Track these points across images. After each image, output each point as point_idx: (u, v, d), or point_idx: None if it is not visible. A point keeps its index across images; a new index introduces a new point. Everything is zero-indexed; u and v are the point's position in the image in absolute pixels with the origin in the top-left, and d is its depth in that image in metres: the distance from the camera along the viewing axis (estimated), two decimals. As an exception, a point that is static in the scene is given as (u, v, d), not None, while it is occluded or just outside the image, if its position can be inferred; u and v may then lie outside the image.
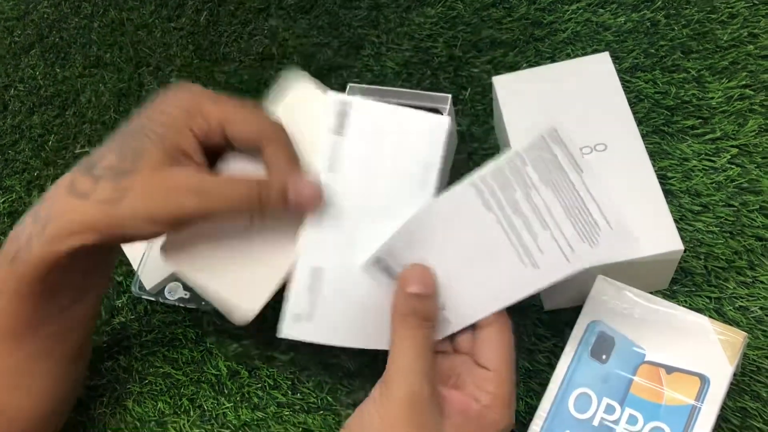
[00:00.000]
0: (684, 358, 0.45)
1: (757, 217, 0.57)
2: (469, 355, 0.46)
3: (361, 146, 0.49)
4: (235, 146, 0.46)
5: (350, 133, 0.48)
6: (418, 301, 0.44)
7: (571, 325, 0.55)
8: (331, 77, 0.72)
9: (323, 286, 0.49)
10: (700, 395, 0.44)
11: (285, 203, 0.45)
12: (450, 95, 0.58)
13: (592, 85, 0.58)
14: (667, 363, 0.45)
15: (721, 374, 0.44)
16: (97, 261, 0.49)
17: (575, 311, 0.56)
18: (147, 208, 0.42)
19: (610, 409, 0.45)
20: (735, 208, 0.57)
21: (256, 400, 0.58)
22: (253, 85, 0.74)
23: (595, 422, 0.45)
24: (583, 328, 0.48)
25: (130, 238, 0.46)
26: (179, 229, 0.46)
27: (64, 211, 0.43)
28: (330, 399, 0.57)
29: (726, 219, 0.57)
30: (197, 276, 0.51)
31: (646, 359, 0.46)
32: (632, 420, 0.45)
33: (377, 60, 0.72)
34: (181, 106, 0.44)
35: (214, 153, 0.47)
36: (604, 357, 0.47)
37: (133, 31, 0.81)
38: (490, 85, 0.61)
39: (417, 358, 0.43)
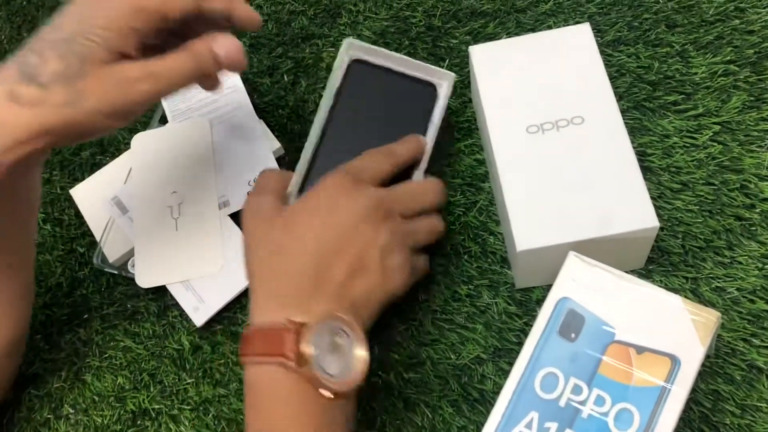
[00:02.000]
0: (655, 338, 0.44)
1: (737, 196, 0.55)
2: None
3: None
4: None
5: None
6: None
7: (540, 303, 0.54)
8: (306, 46, 0.70)
9: None
10: (671, 376, 0.43)
11: (219, 65, 0.49)
12: (453, 74, 0.57)
13: (571, 57, 0.56)
14: (638, 343, 0.44)
15: (692, 355, 0.43)
16: (34, 173, 0.52)
17: (547, 289, 0.55)
18: (107, 103, 0.45)
19: (577, 390, 0.44)
20: (715, 187, 0.56)
21: (218, 376, 0.56)
22: (226, 53, 0.71)
23: (562, 402, 0.43)
24: (552, 304, 0.46)
25: (87, 136, 0.48)
26: (133, 117, 0.48)
27: (8, 121, 0.44)
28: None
29: (706, 197, 0.56)
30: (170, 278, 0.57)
31: (615, 338, 0.44)
32: (599, 401, 0.43)
33: (354, 29, 0.70)
34: (119, 7, 0.45)
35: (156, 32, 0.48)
36: (573, 335, 0.45)
37: None
38: (468, 56, 0.59)
39: None
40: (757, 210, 0.54)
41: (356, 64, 0.58)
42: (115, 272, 0.61)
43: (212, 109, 0.66)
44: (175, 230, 0.60)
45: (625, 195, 0.50)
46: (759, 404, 0.49)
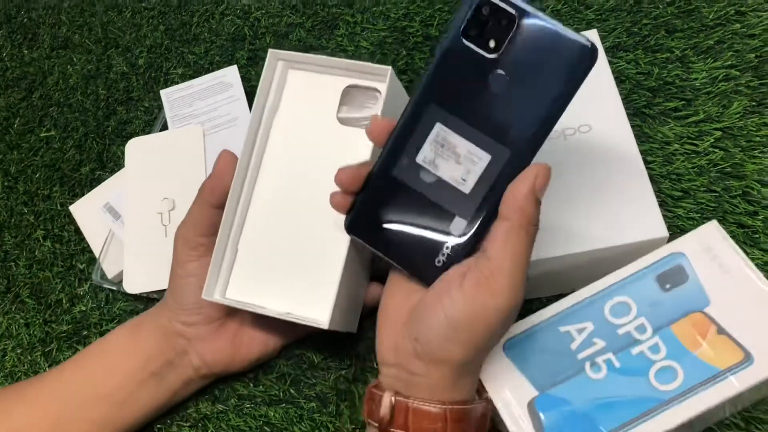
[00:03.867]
0: (742, 329, 0.43)
1: (739, 203, 0.54)
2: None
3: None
4: None
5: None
6: (537, 205, 0.40)
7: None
8: (304, 58, 0.70)
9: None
10: (735, 368, 0.42)
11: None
12: (390, 68, 0.49)
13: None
14: (723, 324, 0.43)
15: None
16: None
17: (548, 301, 0.54)
18: None
19: (641, 329, 0.44)
20: (717, 194, 0.55)
21: (216, 392, 0.56)
22: (225, 65, 0.71)
23: (620, 331, 0.44)
24: (666, 252, 0.46)
25: None
26: None
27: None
28: (293, 391, 0.55)
29: (707, 205, 0.55)
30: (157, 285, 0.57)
31: (705, 310, 0.44)
32: (655, 348, 0.43)
33: (351, 40, 0.70)
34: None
35: None
36: (668, 286, 0.45)
37: (103, 12, 0.78)
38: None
39: (523, 267, 0.39)
40: (760, 217, 0.53)
41: (292, 73, 0.53)
42: (114, 288, 0.61)
43: (212, 117, 0.66)
44: (165, 237, 0.60)
45: (634, 204, 0.49)
46: (765, 416, 0.48)
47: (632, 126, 0.58)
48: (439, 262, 0.41)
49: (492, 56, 0.39)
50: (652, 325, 0.44)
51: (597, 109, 0.53)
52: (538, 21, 0.38)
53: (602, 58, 0.56)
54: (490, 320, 0.38)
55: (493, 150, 0.40)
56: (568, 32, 0.38)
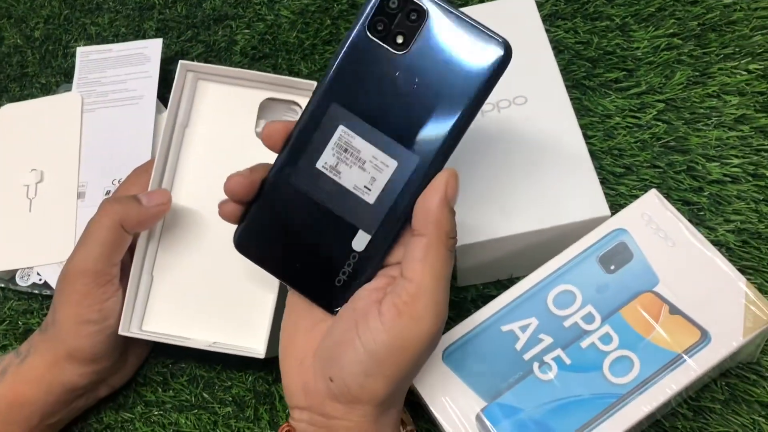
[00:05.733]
0: (695, 306, 0.40)
1: (684, 178, 0.51)
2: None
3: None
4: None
5: None
6: (452, 215, 0.36)
7: (476, 303, 0.49)
8: (218, 28, 0.64)
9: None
10: (692, 349, 0.39)
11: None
12: (316, 83, 0.44)
13: (511, 31, 0.51)
14: (675, 303, 0.40)
15: (727, 340, 0.39)
16: None
17: (484, 288, 0.50)
18: None
19: (588, 318, 0.40)
20: (661, 170, 0.52)
21: (121, 398, 0.50)
22: (130, 38, 0.65)
23: (567, 323, 0.40)
24: (607, 230, 0.42)
25: None
26: None
27: None
28: (206, 395, 0.49)
29: (651, 181, 0.51)
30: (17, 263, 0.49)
31: (654, 289, 0.40)
32: (606, 339, 0.40)
33: (270, 8, 0.64)
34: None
35: None
36: (612, 267, 0.41)
37: (-6, -22, 0.70)
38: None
39: (445, 285, 0.35)
40: (705, 193, 0.50)
41: (205, 85, 0.49)
42: (3, 285, 0.55)
43: (118, 89, 0.59)
44: (29, 212, 0.54)
45: (574, 182, 0.45)
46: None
47: (571, 98, 0.54)
48: (339, 282, 0.36)
49: (400, 53, 0.34)
50: (600, 312, 0.41)
51: (533, 81, 0.50)
52: (450, 17, 0.34)
53: (539, 28, 0.52)
54: (415, 350, 0.34)
55: (401, 156, 0.35)
56: (482, 29, 0.34)
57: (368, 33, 0.35)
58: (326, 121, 0.35)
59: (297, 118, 0.45)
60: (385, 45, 0.35)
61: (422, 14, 0.34)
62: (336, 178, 0.36)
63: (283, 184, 0.36)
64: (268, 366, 0.49)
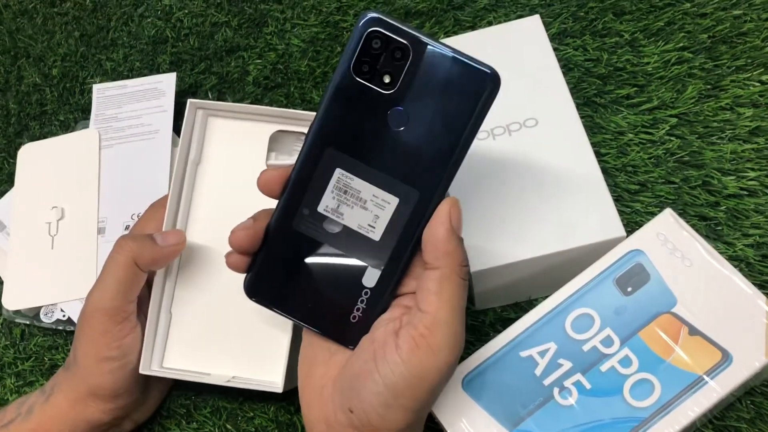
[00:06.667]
0: (715, 327, 0.39)
1: (700, 194, 0.51)
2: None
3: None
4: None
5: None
6: (461, 243, 0.36)
7: (494, 326, 0.49)
8: (231, 59, 0.64)
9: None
10: (714, 370, 0.39)
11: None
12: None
13: (520, 53, 0.52)
14: (694, 324, 0.40)
15: (749, 360, 0.38)
16: None
17: (503, 311, 0.50)
18: None
19: (607, 342, 0.40)
20: (676, 185, 0.51)
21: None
22: (145, 72, 0.66)
23: (586, 347, 0.40)
24: (623, 252, 0.42)
25: None
26: None
27: None
28: (229, 426, 0.50)
29: (666, 197, 0.51)
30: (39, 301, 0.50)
31: (672, 310, 0.40)
32: (626, 362, 0.40)
33: (281, 38, 0.64)
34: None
35: None
36: (629, 289, 0.41)
37: (11, 19, 0.72)
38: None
39: (461, 315, 0.35)
40: (722, 208, 0.50)
41: (214, 121, 0.49)
42: (28, 323, 0.56)
43: (134, 124, 0.60)
44: (51, 249, 0.55)
45: (588, 203, 0.45)
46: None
47: (583, 117, 0.54)
48: (354, 318, 0.37)
49: (388, 92, 0.35)
50: (618, 335, 0.40)
51: (543, 101, 0.50)
52: (434, 50, 0.34)
53: (547, 47, 0.52)
54: (433, 381, 0.34)
55: (401, 192, 0.35)
56: (468, 60, 0.34)
57: (354, 75, 0.35)
58: (322, 165, 0.35)
59: None
60: (372, 86, 0.35)
61: (406, 52, 0.34)
62: (339, 220, 0.36)
63: (287, 230, 0.36)
64: (290, 397, 0.50)
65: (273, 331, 0.46)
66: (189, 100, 0.47)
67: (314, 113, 0.45)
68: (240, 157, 0.48)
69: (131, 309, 0.45)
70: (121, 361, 0.44)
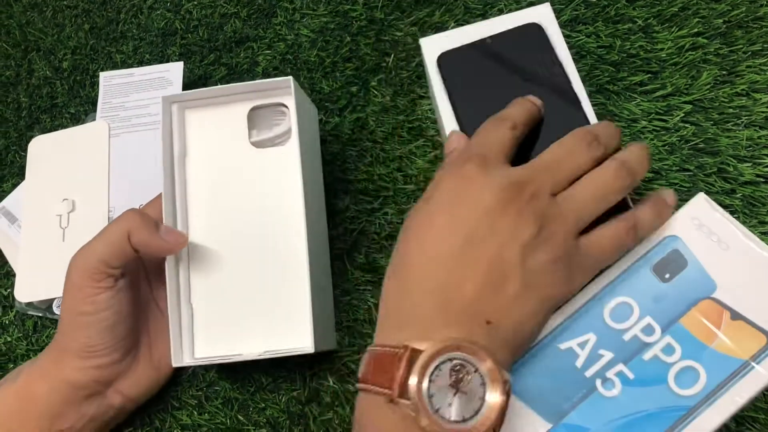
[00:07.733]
0: (758, 310, 0.38)
1: (715, 181, 0.50)
2: None
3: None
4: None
5: None
6: None
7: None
8: (240, 50, 0.64)
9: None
10: (760, 354, 0.37)
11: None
12: (291, 78, 0.48)
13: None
14: (736, 308, 0.39)
15: None
16: None
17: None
18: None
19: (648, 330, 0.39)
20: (691, 173, 0.50)
21: (158, 422, 0.51)
22: (155, 64, 0.65)
23: (627, 336, 0.39)
24: (657, 239, 0.41)
25: None
26: None
27: None
28: (241, 417, 0.50)
29: (682, 185, 0.50)
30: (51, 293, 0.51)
31: (713, 295, 0.39)
32: (669, 350, 0.38)
33: (291, 28, 0.64)
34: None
35: None
36: (667, 276, 0.40)
37: (21, 12, 0.72)
38: (416, 49, 0.54)
39: None
40: (738, 195, 0.49)
41: (191, 113, 0.51)
42: (41, 315, 0.56)
43: (140, 114, 0.60)
44: (62, 241, 0.55)
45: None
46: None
47: (596, 104, 0.53)
48: None
49: None
50: (659, 323, 0.39)
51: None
52: None
53: (557, 34, 0.51)
54: None
55: None
56: None
57: None
58: None
59: (286, 119, 0.50)
60: None
61: None
62: None
63: None
64: (302, 386, 0.49)
65: (292, 297, 0.46)
66: (161, 96, 0.48)
67: (281, 78, 0.48)
68: (224, 143, 0.50)
69: (112, 273, 0.45)
70: (94, 316, 0.44)
